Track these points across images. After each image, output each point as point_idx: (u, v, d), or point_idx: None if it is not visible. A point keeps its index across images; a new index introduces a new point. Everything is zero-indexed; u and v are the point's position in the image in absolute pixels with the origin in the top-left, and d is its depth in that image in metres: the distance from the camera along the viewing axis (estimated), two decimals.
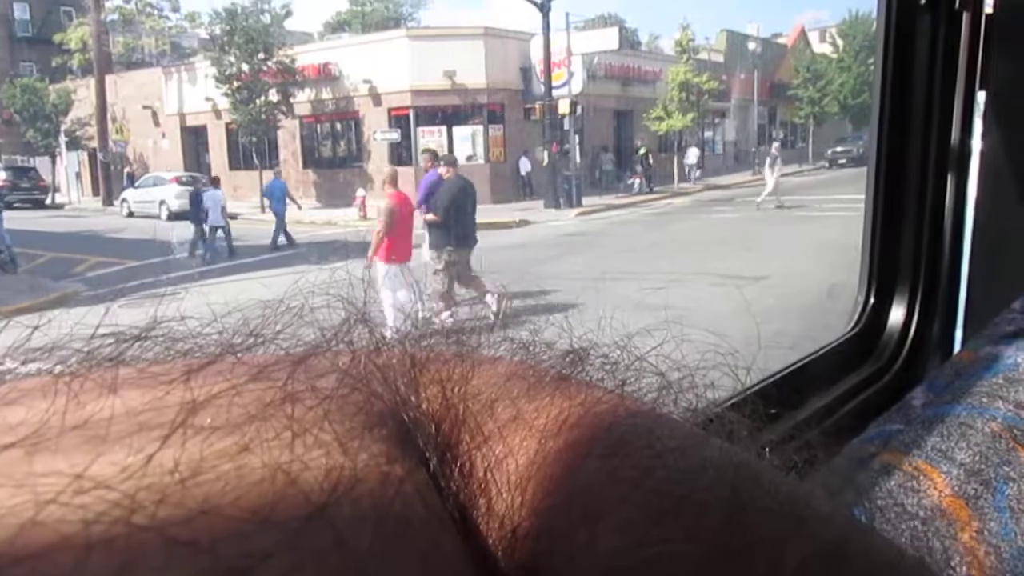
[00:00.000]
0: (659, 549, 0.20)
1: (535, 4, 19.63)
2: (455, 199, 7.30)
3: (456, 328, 0.29)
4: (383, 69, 23.08)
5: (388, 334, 0.27)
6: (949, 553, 0.44)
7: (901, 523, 0.44)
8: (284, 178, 17.43)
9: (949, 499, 0.48)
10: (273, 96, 23.47)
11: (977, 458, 0.50)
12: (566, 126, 20.94)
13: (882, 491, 0.49)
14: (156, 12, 34.22)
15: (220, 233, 13.51)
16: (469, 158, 23.11)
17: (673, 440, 0.23)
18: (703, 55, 30.54)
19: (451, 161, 8.07)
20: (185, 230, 13.94)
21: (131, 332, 0.24)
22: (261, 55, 23.18)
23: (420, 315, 0.33)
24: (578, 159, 21.54)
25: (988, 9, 1.40)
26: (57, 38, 31.88)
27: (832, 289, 7.21)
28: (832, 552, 0.21)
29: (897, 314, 1.52)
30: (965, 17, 1.41)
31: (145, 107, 27.90)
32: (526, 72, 23.22)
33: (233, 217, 15.38)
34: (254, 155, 24.11)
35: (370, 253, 6.80)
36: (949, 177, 1.49)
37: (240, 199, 22.20)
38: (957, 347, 1.51)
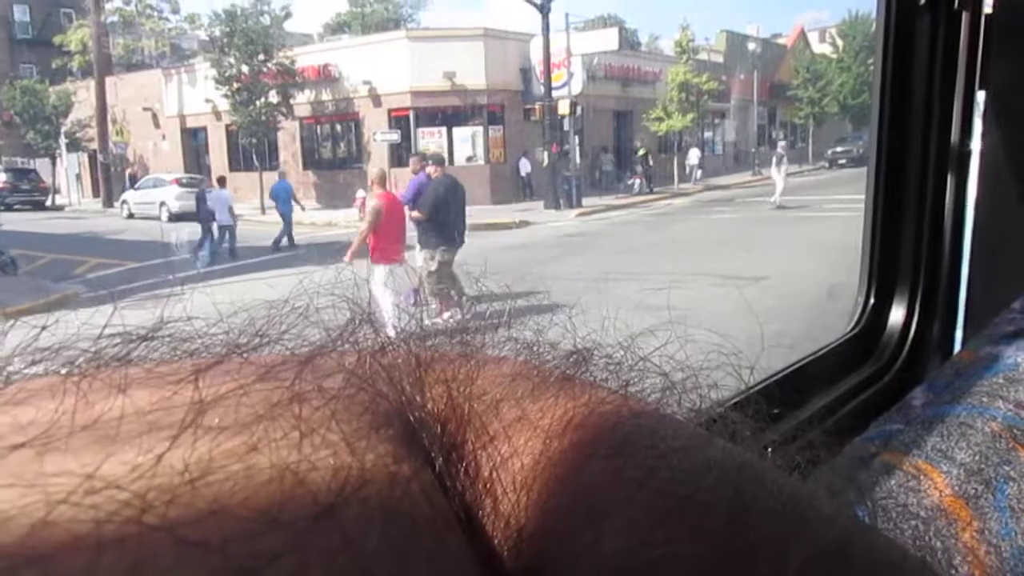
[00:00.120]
0: (663, 549, 0.20)
1: (535, 5, 19.62)
2: (442, 198, 7.29)
3: (460, 328, 0.29)
4: (383, 70, 23.08)
5: (392, 334, 0.27)
6: (951, 553, 0.45)
7: (902, 523, 0.44)
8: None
9: (949, 499, 0.48)
10: (273, 97, 23.46)
11: (977, 458, 0.50)
12: (566, 127, 20.93)
13: (883, 491, 0.49)
14: (156, 14, 34.28)
15: (226, 234, 13.50)
16: (469, 159, 23.12)
17: (677, 440, 0.23)
18: (703, 55, 30.54)
19: (439, 160, 8.04)
20: (185, 231, 13.92)
21: (138, 332, 0.24)
22: (261, 57, 23.18)
23: (418, 317, 0.33)
24: (578, 160, 21.53)
25: (988, 9, 1.40)
26: (57, 40, 31.88)
27: (832, 289, 7.20)
28: (835, 552, 0.21)
29: (897, 314, 1.52)
30: (964, 17, 1.41)
31: (145, 109, 27.89)
32: (526, 73, 23.21)
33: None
34: (254, 156, 24.11)
35: (350, 250, 6.81)
36: (949, 177, 1.49)
37: (240, 200, 22.13)
38: (957, 347, 1.51)
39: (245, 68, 23.18)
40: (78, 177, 29.13)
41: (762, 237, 13.49)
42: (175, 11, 34.75)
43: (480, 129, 23.51)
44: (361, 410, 0.21)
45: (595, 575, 0.20)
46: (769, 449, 0.26)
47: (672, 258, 11.36)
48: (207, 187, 15.06)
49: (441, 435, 0.23)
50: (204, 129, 27.45)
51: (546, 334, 0.29)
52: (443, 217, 7.32)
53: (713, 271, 9.54)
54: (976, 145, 1.45)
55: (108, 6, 31.47)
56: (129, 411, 0.19)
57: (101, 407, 0.19)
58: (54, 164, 27.18)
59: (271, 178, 18.62)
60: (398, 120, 23.43)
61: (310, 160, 25.86)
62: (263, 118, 23.53)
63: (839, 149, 29.92)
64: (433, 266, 7.11)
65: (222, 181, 15.57)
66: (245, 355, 0.23)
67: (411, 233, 7.38)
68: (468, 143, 23.48)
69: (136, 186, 23.03)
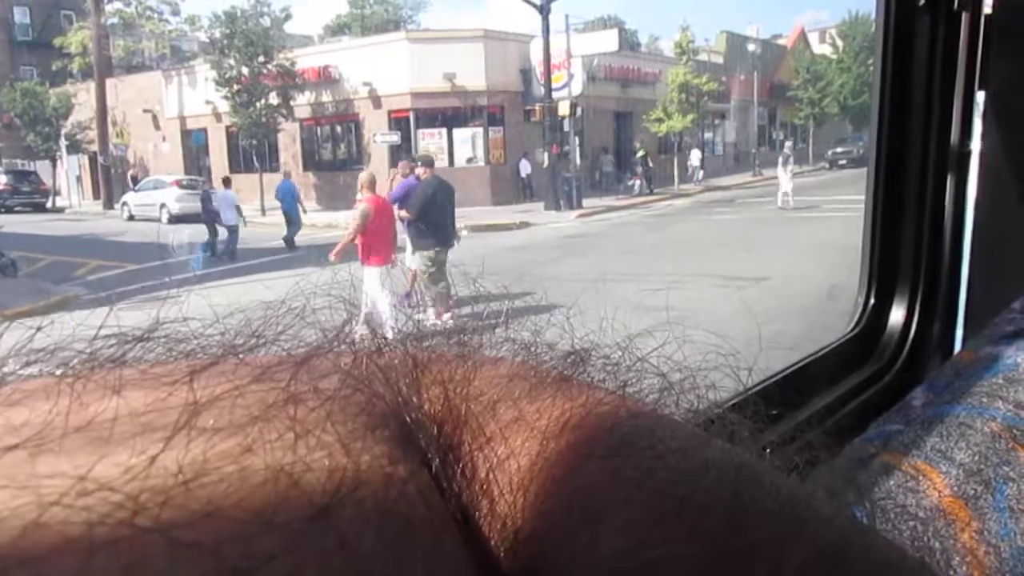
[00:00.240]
0: (661, 550, 0.20)
1: (534, 6, 19.64)
2: (431, 198, 7.29)
3: (457, 329, 0.29)
4: (383, 72, 23.10)
5: (388, 334, 0.27)
6: (949, 554, 0.44)
7: (901, 523, 0.44)
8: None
9: (949, 499, 0.48)
10: (273, 99, 23.50)
11: (977, 458, 0.50)
12: (566, 128, 20.96)
13: (882, 491, 0.49)
14: (156, 16, 34.31)
15: (232, 234, 13.49)
16: (469, 160, 23.14)
17: (675, 441, 0.23)
18: (703, 56, 30.56)
19: (428, 161, 8.03)
20: (186, 233, 13.91)
21: (133, 333, 0.24)
22: (261, 58, 23.22)
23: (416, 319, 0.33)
24: (578, 161, 21.55)
25: (987, 9, 1.40)
26: (57, 42, 31.92)
27: (832, 290, 7.20)
28: (833, 553, 0.21)
29: (897, 314, 1.52)
30: (964, 17, 1.41)
31: (145, 110, 27.94)
32: (526, 74, 23.24)
33: None
34: (254, 158, 24.13)
35: (335, 250, 6.86)
36: (949, 177, 1.49)
37: (240, 202, 22.18)
38: (957, 347, 1.51)
39: (245, 70, 23.22)
40: (78, 179, 29.17)
41: (763, 238, 13.49)
42: (175, 13, 34.81)
43: (480, 130, 23.53)
44: (357, 411, 0.21)
45: None
46: (768, 450, 0.26)
47: (672, 259, 11.36)
48: (208, 188, 15.04)
49: (437, 436, 0.23)
50: (204, 131, 27.48)
51: (544, 335, 0.29)
52: (433, 217, 7.33)
53: (713, 272, 9.54)
54: (976, 145, 1.45)
55: (108, 8, 31.55)
56: (123, 412, 0.19)
57: (95, 408, 0.19)
58: (54, 166, 27.23)
59: (271, 179, 18.62)
60: (398, 121, 23.45)
61: (310, 161, 25.88)
62: (263, 120, 23.56)
63: (839, 150, 29.95)
64: (424, 266, 7.12)
65: (227, 182, 15.51)
66: (241, 356, 0.23)
67: (402, 235, 7.41)
68: (468, 144, 23.50)
69: (136, 188, 23.06)
